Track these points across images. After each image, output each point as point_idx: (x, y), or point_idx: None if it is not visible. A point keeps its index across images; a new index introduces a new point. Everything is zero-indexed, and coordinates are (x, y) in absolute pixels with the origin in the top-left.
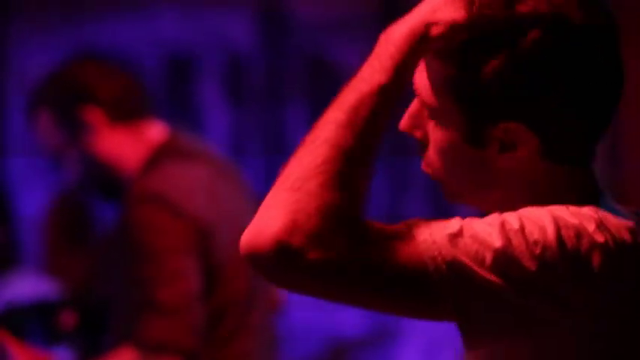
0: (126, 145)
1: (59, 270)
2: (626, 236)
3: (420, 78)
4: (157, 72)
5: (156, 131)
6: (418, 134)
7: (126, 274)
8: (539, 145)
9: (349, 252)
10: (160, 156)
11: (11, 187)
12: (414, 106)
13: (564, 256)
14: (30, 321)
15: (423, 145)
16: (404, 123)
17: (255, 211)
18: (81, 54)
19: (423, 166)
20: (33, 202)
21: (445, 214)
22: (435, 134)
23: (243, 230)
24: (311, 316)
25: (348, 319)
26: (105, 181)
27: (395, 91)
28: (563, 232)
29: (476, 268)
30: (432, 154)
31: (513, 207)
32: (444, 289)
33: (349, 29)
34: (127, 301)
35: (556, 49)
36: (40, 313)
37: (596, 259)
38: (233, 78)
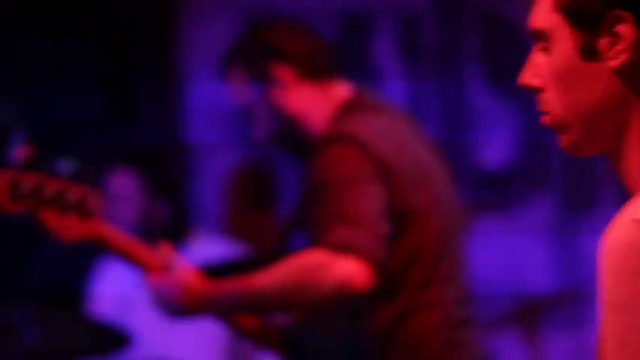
0: (313, 102)
1: (244, 233)
2: None
3: (534, 11)
4: (332, 34)
5: (342, 90)
6: (537, 82)
7: (312, 213)
8: None
9: None
10: (346, 111)
11: (194, 147)
12: (530, 57)
13: None
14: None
15: (542, 91)
16: (523, 76)
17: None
18: (267, 17)
19: (544, 119)
20: (215, 166)
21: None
22: (552, 64)
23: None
24: (499, 275)
25: (537, 279)
26: (293, 137)
27: None
28: None
29: None
30: (550, 95)
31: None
32: None
33: None
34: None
35: None
36: (230, 274)
37: None
38: (408, 38)
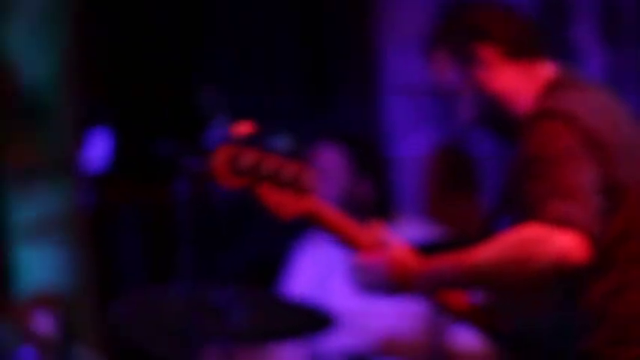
0: (519, 82)
1: (445, 216)
2: None
3: None
4: (532, 14)
5: (546, 69)
6: None
7: (526, 189)
8: None
9: None
10: (553, 89)
11: (391, 129)
12: None
13: None
14: None
15: None
16: None
17: None
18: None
19: None
20: (414, 150)
21: None
22: None
23: None
24: None
25: None
26: (497, 118)
27: None
28: None
29: None
30: None
31: None
32: None
33: None
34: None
35: None
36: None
37: None
38: (609, 18)
